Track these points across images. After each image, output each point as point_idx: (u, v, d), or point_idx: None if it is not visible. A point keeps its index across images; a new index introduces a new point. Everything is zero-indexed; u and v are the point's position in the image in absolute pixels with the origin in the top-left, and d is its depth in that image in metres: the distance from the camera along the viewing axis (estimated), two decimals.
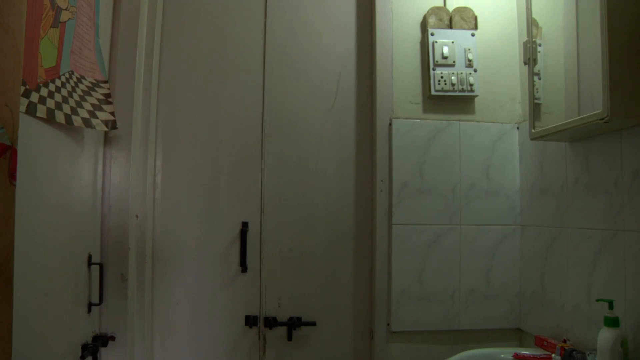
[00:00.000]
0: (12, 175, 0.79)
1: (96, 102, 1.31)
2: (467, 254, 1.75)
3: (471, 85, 1.75)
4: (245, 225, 1.72)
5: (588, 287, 1.38)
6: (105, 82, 1.39)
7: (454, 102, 1.79)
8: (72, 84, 1.19)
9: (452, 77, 1.74)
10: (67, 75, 1.16)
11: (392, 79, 1.77)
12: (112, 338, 1.49)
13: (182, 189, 1.72)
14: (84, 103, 1.24)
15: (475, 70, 1.76)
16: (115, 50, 1.52)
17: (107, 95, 1.38)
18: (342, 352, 1.75)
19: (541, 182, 1.65)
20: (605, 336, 1.17)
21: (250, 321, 1.70)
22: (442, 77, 1.74)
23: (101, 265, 1.43)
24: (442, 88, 1.74)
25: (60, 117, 1.10)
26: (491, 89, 1.81)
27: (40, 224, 1.09)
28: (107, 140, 1.51)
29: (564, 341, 1.42)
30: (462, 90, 1.75)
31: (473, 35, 1.78)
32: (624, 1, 1.12)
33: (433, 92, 1.75)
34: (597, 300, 1.25)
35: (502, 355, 1.49)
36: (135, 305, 1.59)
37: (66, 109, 1.14)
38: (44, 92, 1.04)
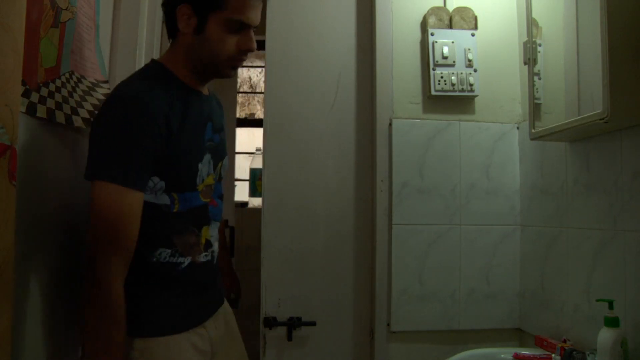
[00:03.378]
0: (12, 175, 0.79)
1: (96, 102, 1.31)
2: (467, 254, 1.75)
3: (471, 85, 1.75)
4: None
5: (588, 287, 1.38)
6: (106, 82, 1.39)
7: (454, 102, 1.79)
8: (72, 84, 1.19)
9: (452, 77, 1.74)
10: (67, 75, 1.16)
11: (392, 79, 1.77)
12: None
13: None
14: (84, 103, 1.24)
15: (475, 70, 1.76)
16: (115, 50, 1.52)
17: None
18: (342, 352, 1.74)
19: (541, 182, 1.65)
20: (605, 336, 1.17)
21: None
22: (442, 77, 1.74)
23: None
24: (442, 88, 1.74)
25: (60, 117, 1.10)
26: (491, 89, 1.81)
27: (40, 224, 1.09)
28: None
29: (564, 341, 1.42)
30: (462, 90, 1.75)
31: (473, 35, 1.78)
32: (624, 1, 1.12)
33: (433, 92, 1.75)
34: (597, 300, 1.25)
35: (502, 355, 1.49)
36: None
37: (66, 109, 1.14)
38: (44, 92, 1.04)
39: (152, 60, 1.20)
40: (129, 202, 1.03)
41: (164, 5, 1.14)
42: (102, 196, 1.02)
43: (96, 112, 1.31)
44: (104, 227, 1.01)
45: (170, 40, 1.17)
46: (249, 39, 1.12)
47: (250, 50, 1.13)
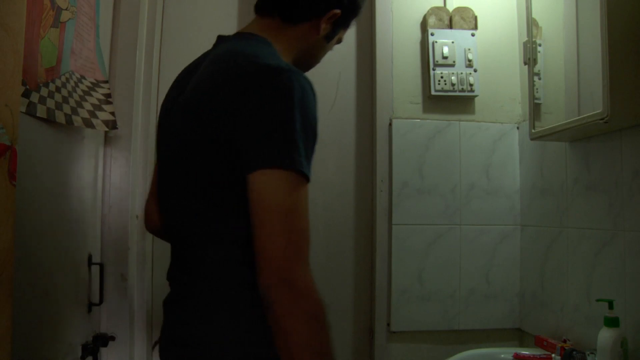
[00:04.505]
0: (12, 175, 0.79)
1: (96, 102, 1.31)
2: (467, 254, 1.75)
3: (471, 85, 1.75)
4: None
5: (588, 287, 1.38)
6: (105, 82, 1.39)
7: (454, 102, 1.79)
8: (72, 84, 1.19)
9: (452, 77, 1.74)
10: (67, 75, 1.16)
11: (392, 79, 1.77)
12: (112, 338, 1.49)
13: None
14: (84, 103, 1.24)
15: (475, 70, 1.76)
16: (115, 50, 1.52)
17: (107, 95, 1.38)
18: (342, 352, 1.74)
19: (541, 182, 1.65)
20: (605, 336, 1.17)
21: None
22: (442, 77, 1.74)
23: (101, 265, 1.43)
24: (442, 88, 1.74)
25: (60, 117, 1.10)
26: (491, 89, 1.81)
27: (40, 224, 1.09)
28: (107, 140, 1.51)
29: (564, 341, 1.42)
30: (462, 90, 1.75)
31: (473, 35, 1.78)
32: (624, 1, 1.12)
33: (433, 92, 1.75)
34: (597, 300, 1.25)
35: (502, 355, 1.49)
36: (135, 305, 1.59)
37: (66, 109, 1.14)
38: (44, 92, 1.04)
39: (258, 36, 0.95)
40: (306, 198, 0.82)
41: None
42: (289, 190, 0.79)
43: (96, 111, 1.31)
44: (297, 228, 0.80)
45: (264, 16, 0.98)
46: None
47: None
